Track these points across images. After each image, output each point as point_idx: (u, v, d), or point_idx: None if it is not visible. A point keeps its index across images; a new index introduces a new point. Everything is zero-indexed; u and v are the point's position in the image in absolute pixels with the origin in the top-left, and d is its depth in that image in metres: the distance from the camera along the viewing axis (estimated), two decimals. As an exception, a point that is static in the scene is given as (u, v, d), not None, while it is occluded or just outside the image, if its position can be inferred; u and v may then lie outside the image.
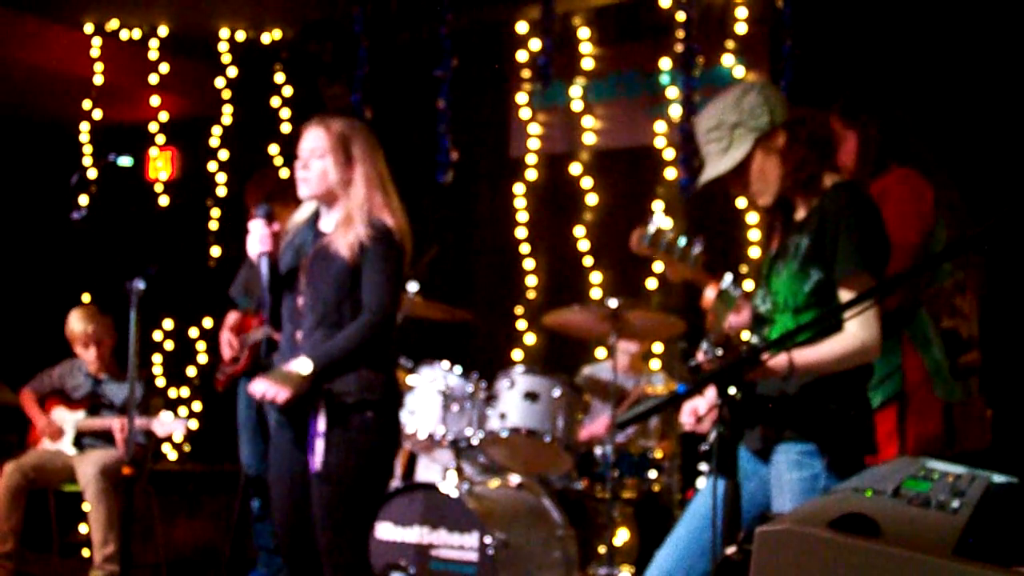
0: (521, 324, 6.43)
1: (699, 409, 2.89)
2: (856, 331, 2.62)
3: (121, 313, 4.50)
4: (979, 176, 4.80)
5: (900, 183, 3.54)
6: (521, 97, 6.56)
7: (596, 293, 6.14)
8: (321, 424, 3.31)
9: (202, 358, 7.45)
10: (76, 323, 5.64)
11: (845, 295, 2.65)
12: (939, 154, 3.70)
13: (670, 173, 5.96)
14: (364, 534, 3.40)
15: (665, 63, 6.02)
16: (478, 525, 4.40)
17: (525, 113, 6.54)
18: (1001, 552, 1.54)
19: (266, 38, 7.20)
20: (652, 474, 4.92)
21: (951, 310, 3.58)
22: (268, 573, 5.17)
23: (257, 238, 3.46)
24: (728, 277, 2.79)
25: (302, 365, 3.27)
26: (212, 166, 7.40)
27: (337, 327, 3.34)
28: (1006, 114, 4.91)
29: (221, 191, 7.36)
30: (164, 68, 7.24)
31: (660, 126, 6.05)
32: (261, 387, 3.28)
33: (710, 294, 3.03)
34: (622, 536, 5.08)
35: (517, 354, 6.33)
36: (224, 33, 7.20)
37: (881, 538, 1.53)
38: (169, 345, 7.58)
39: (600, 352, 5.79)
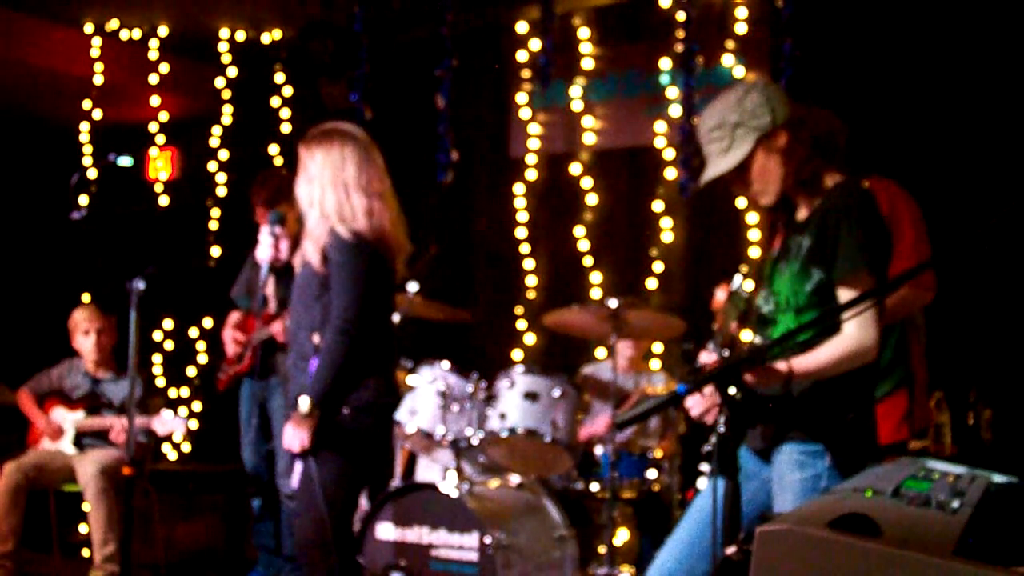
0: (521, 324, 6.43)
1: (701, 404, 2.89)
2: (854, 332, 2.61)
3: (121, 313, 4.51)
4: (978, 173, 4.80)
5: (893, 193, 3.57)
6: (521, 97, 6.56)
7: (596, 293, 6.13)
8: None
9: (202, 358, 7.44)
10: (81, 312, 5.72)
11: (845, 294, 2.65)
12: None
13: (670, 173, 5.96)
14: (329, 530, 3.43)
15: (665, 63, 6.02)
16: (478, 525, 4.40)
17: (525, 113, 6.53)
18: (1001, 552, 1.54)
19: (266, 38, 7.20)
20: (652, 474, 4.92)
21: None
22: (268, 573, 5.17)
23: (265, 246, 3.58)
24: (738, 278, 2.79)
25: (302, 404, 3.39)
26: (212, 166, 7.40)
27: (309, 329, 3.46)
28: (1006, 112, 4.91)
29: (221, 191, 7.36)
30: (164, 68, 7.24)
31: (660, 126, 6.05)
32: (288, 442, 3.40)
33: (721, 295, 3.03)
34: (622, 536, 5.09)
35: (517, 354, 6.32)
36: (224, 33, 7.20)
37: (881, 538, 1.53)
38: (169, 345, 7.58)
39: (600, 352, 5.79)
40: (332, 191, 3.46)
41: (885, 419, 3.50)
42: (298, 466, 3.42)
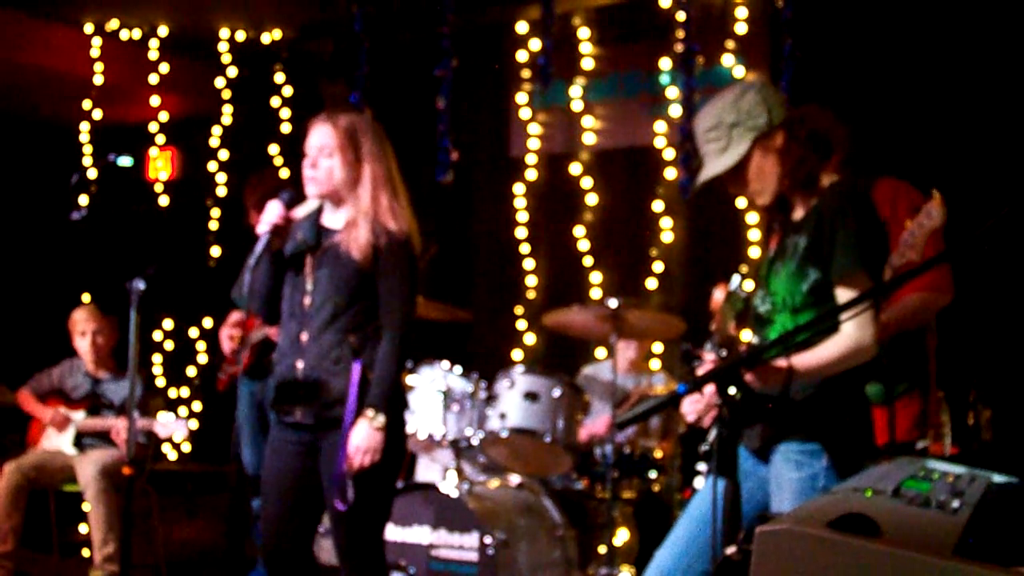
0: (521, 324, 6.43)
1: (700, 404, 2.89)
2: (852, 331, 2.61)
3: (121, 313, 4.50)
4: (978, 172, 4.80)
5: (898, 195, 3.56)
6: (521, 97, 6.56)
7: (596, 293, 6.14)
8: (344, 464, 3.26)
9: (202, 358, 7.45)
10: (79, 313, 5.72)
11: (842, 294, 2.65)
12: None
13: (670, 173, 5.97)
14: (380, 536, 3.39)
15: (665, 63, 6.02)
16: (478, 525, 4.40)
17: (525, 113, 6.54)
18: (1001, 552, 1.54)
19: (266, 38, 7.20)
20: (652, 474, 4.92)
21: None
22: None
23: (271, 216, 3.36)
24: (736, 279, 2.79)
25: (373, 420, 3.24)
26: (212, 166, 7.40)
27: (346, 331, 3.30)
28: (1007, 111, 4.91)
29: (221, 191, 7.36)
30: (164, 68, 7.24)
31: (660, 126, 6.05)
32: (352, 459, 3.23)
33: (718, 295, 3.03)
34: (622, 536, 5.09)
35: (517, 354, 6.32)
36: (224, 33, 7.20)
37: (881, 538, 1.53)
38: (169, 345, 7.59)
39: (600, 352, 5.79)
40: (384, 189, 3.35)
41: (901, 418, 3.51)
42: (348, 484, 3.25)
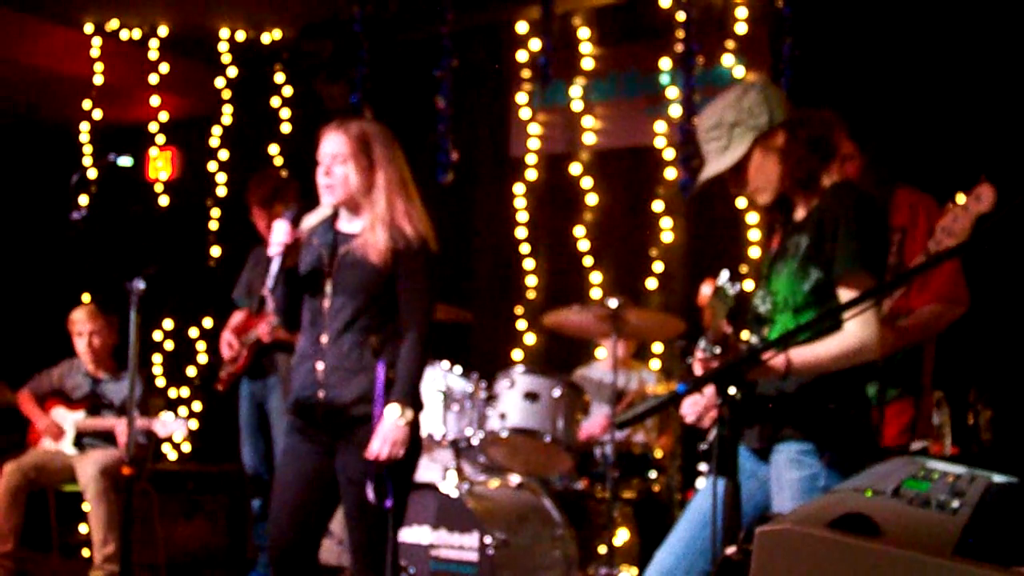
0: (521, 324, 6.43)
1: (700, 406, 2.89)
2: (855, 330, 2.61)
3: (121, 313, 4.51)
4: (979, 173, 4.80)
5: (918, 203, 3.57)
6: (521, 97, 6.56)
7: (596, 293, 6.14)
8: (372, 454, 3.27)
9: (202, 358, 7.44)
10: (78, 313, 5.73)
11: (844, 294, 2.65)
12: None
13: (670, 173, 5.96)
14: (394, 534, 3.40)
15: (665, 63, 6.02)
16: (478, 525, 4.40)
17: (525, 113, 6.53)
18: (1001, 552, 1.54)
19: (266, 38, 7.19)
20: (652, 474, 4.93)
21: None
22: (268, 573, 5.17)
23: (279, 235, 3.38)
24: (724, 274, 2.79)
25: (401, 414, 3.26)
26: (212, 166, 7.40)
27: (366, 331, 3.34)
28: (1008, 111, 4.91)
29: (221, 191, 7.36)
30: (164, 68, 7.24)
31: (660, 126, 6.05)
32: (379, 450, 3.24)
33: (706, 291, 3.03)
34: (622, 536, 5.09)
35: (517, 354, 6.32)
36: (224, 33, 7.20)
37: (881, 538, 1.53)
38: (169, 345, 7.58)
39: (601, 352, 5.79)
40: (399, 193, 3.41)
41: (891, 424, 3.50)
42: (376, 480, 3.27)
